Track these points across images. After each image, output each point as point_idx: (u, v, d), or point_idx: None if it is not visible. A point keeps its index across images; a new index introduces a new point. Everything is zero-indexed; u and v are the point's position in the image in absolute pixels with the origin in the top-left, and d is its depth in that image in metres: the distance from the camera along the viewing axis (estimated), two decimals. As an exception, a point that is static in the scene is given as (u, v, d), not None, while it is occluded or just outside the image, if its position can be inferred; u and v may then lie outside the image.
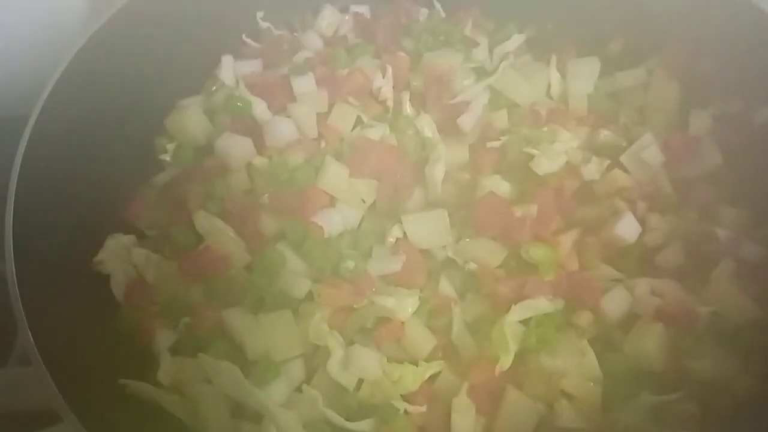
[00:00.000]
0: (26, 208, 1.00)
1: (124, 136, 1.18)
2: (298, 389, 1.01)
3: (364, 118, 1.23)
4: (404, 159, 1.18)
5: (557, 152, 1.18)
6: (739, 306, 1.03)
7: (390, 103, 1.26)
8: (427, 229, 1.11)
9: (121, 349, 1.06)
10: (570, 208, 1.16)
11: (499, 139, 1.21)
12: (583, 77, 1.29)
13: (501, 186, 1.17)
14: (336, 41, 1.37)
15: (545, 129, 1.22)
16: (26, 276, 0.95)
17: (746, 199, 1.13)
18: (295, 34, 1.39)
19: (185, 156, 1.23)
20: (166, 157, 1.24)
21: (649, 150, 1.17)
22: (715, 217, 1.13)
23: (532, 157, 1.17)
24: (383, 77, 1.25)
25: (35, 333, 0.91)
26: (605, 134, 1.22)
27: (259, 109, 1.22)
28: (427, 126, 1.22)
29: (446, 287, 1.09)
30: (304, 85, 1.23)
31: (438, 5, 1.40)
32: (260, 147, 1.18)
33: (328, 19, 1.38)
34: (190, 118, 1.23)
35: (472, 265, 1.09)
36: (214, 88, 1.27)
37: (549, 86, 1.30)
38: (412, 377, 1.00)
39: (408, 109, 1.25)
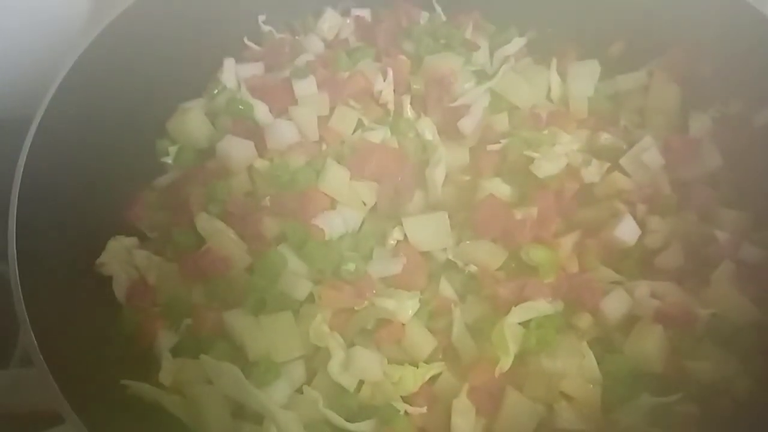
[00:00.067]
0: (29, 210, 1.00)
1: (126, 138, 1.18)
2: (299, 390, 1.01)
3: (365, 121, 1.24)
4: (405, 161, 1.19)
5: (557, 155, 1.18)
6: (739, 308, 1.03)
7: (391, 106, 1.26)
8: (428, 231, 1.12)
9: (123, 350, 1.06)
10: (570, 210, 1.16)
11: (500, 142, 1.21)
12: (584, 80, 1.29)
13: (501, 188, 1.17)
14: (337, 44, 1.37)
15: (545, 132, 1.22)
16: (29, 277, 0.95)
17: (746, 201, 1.14)
18: (296, 37, 1.40)
19: (187, 158, 1.23)
20: (168, 160, 1.25)
21: (648, 152, 1.17)
22: (714, 219, 1.13)
23: (532, 159, 1.17)
24: (384, 80, 1.26)
25: (37, 334, 0.91)
26: (605, 137, 1.23)
27: (261, 111, 1.23)
28: (428, 129, 1.23)
29: (446, 289, 1.09)
30: (306, 88, 1.24)
31: (439, 8, 1.41)
32: (261, 149, 1.18)
33: (330, 22, 1.39)
34: (192, 121, 1.23)
35: (473, 267, 1.10)
36: (216, 90, 1.28)
37: (549, 89, 1.30)
38: (412, 379, 1.00)
39: (409, 111, 1.26)
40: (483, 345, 1.03)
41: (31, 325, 0.92)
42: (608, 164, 1.19)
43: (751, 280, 1.04)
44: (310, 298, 1.06)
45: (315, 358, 1.03)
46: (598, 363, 1.01)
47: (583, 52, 1.33)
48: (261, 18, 1.39)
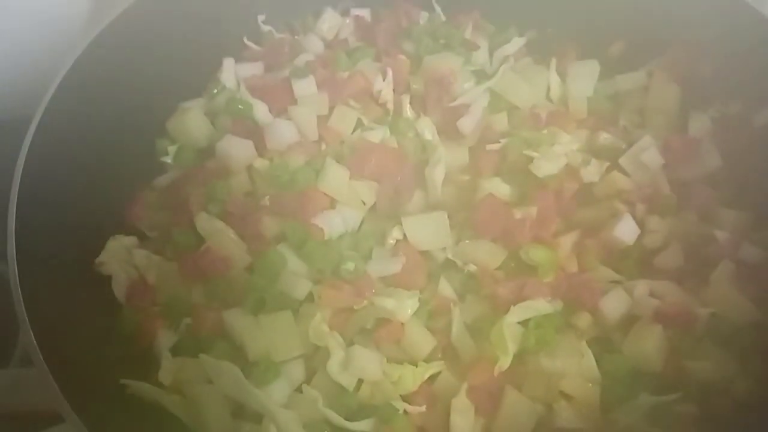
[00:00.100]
0: (28, 209, 1.00)
1: (125, 138, 1.18)
2: (299, 390, 1.01)
3: (365, 121, 1.24)
4: (404, 161, 1.19)
5: (557, 155, 1.18)
6: (738, 307, 1.03)
7: (390, 106, 1.27)
8: (427, 230, 1.12)
9: (123, 350, 1.06)
10: (569, 210, 1.16)
11: (499, 142, 1.21)
12: (583, 80, 1.29)
13: (501, 188, 1.17)
14: (337, 44, 1.38)
15: (545, 131, 1.22)
16: (28, 277, 0.95)
17: (745, 201, 1.14)
18: (296, 37, 1.40)
19: (186, 158, 1.23)
20: (168, 159, 1.25)
21: (648, 152, 1.17)
22: (714, 219, 1.13)
23: (531, 159, 1.17)
24: (384, 80, 1.26)
25: (37, 333, 0.91)
26: (605, 137, 1.23)
27: (260, 111, 1.23)
28: (428, 128, 1.23)
29: (446, 288, 1.09)
30: (305, 87, 1.24)
31: (438, 8, 1.41)
32: (261, 149, 1.19)
33: (329, 22, 1.39)
34: (192, 121, 1.24)
35: (472, 267, 1.10)
36: (216, 90, 1.28)
37: (549, 89, 1.30)
38: (411, 378, 1.00)
39: (408, 111, 1.26)
40: (482, 344, 1.04)
41: (30, 325, 0.92)
42: (608, 164, 1.19)
43: (750, 280, 1.04)
44: (310, 298, 1.06)
45: (314, 358, 1.04)
46: (597, 362, 1.02)
47: (582, 52, 1.34)
48: (261, 18, 1.39)
